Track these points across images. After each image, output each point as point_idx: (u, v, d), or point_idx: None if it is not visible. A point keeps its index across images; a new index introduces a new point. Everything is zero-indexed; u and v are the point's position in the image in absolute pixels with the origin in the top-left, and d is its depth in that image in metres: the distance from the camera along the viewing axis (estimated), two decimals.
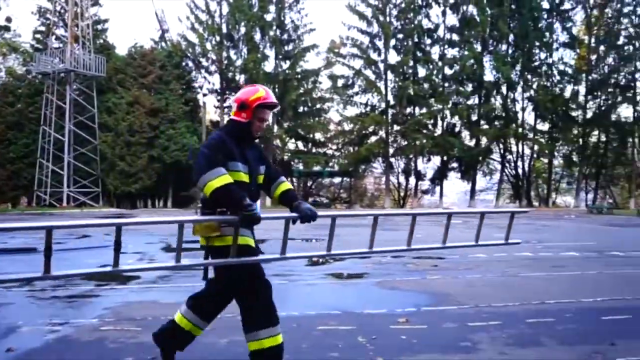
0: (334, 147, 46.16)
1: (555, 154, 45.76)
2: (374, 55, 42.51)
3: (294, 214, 3.56)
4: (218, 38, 40.85)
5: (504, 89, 42.93)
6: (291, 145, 45.23)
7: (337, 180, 48.82)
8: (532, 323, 5.22)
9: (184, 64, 41.73)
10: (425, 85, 42.21)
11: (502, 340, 4.64)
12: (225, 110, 43.65)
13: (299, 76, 41.92)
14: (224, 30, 40.93)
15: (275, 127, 41.36)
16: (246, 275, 3.48)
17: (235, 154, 3.50)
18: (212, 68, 42.09)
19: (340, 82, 43.12)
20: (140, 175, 37.33)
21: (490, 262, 9.93)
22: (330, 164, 44.51)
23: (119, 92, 38.27)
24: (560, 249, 12.11)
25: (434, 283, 7.60)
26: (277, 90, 40.09)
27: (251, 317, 3.47)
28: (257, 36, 40.88)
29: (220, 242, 3.43)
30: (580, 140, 44.38)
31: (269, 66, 41.30)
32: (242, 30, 40.58)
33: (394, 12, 42.26)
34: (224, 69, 41.00)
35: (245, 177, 3.53)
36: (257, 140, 3.83)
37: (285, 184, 3.79)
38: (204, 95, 43.37)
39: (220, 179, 3.31)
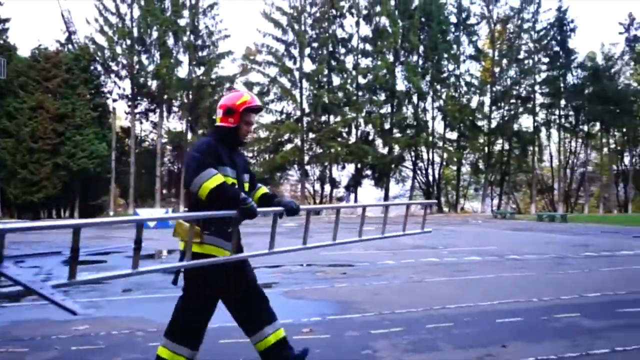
0: (250, 154, 45.91)
1: (463, 161, 47.85)
2: (289, 63, 42.82)
3: (280, 208, 3.69)
4: (129, 42, 39.62)
5: (415, 98, 44.41)
6: None
7: None
8: (431, 328, 5.35)
9: (92, 67, 40.16)
10: (340, 94, 42.93)
11: (401, 347, 4.72)
12: (137, 116, 42.47)
13: (214, 82, 41.42)
14: (135, 34, 39.76)
15: (189, 134, 40.63)
16: (211, 284, 3.49)
17: (224, 159, 3.54)
18: (123, 73, 40.83)
19: (255, 90, 42.99)
20: (44, 184, 35.49)
21: (398, 268, 10.15)
22: None
23: (20, 96, 36.21)
24: (464, 253, 12.59)
25: (341, 291, 7.66)
26: (190, 96, 39.50)
27: (183, 328, 3.47)
28: (170, 41, 40.07)
29: (199, 249, 3.42)
30: (486, 148, 46.61)
31: (182, 72, 40.64)
32: (154, 34, 39.62)
33: (309, 21, 42.78)
34: (135, 74, 39.81)
35: (234, 182, 3.57)
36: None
37: (264, 188, 3.92)
38: (114, 100, 41.99)
39: (213, 179, 3.35)
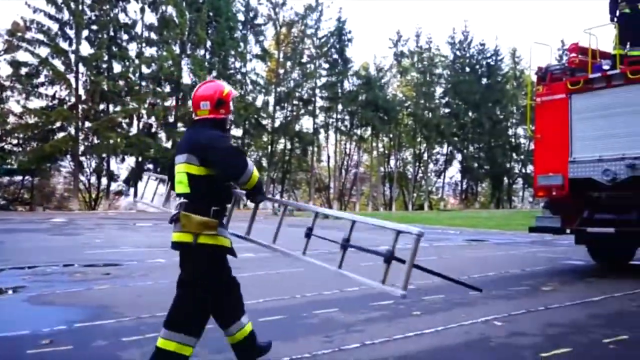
0: (14, 141, 41.04)
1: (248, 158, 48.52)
2: (63, 45, 39.01)
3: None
4: None
5: None
6: None
7: (18, 178, 43.46)
8: None
9: None
10: (121, 82, 40.46)
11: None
12: None
13: None
14: None
15: None
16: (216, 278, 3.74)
17: None
18: None
19: (23, 70, 38.54)
20: None
21: (169, 266, 9.65)
22: (9, 160, 39.36)
23: None
24: (240, 250, 12.53)
25: (99, 294, 7.02)
26: None
27: (192, 318, 3.62)
28: None
29: (213, 240, 3.58)
30: (269, 147, 47.89)
31: None
32: None
33: (88, 1, 39.52)
34: None
35: None
36: None
37: None
38: None
39: (255, 168, 3.65)
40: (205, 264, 3.64)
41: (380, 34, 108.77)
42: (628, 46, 9.01)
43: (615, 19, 9.22)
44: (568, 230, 9.32)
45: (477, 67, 57.22)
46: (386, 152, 57.53)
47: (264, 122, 47.85)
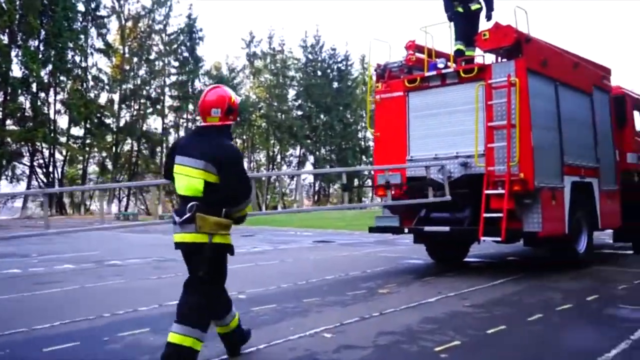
0: None
1: (90, 160, 45.26)
2: None
3: None
4: None
5: (34, 87, 39.90)
6: None
7: None
8: None
9: None
10: None
11: None
12: None
13: None
14: None
15: None
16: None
17: None
18: None
19: None
20: None
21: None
22: None
23: None
24: (59, 261, 11.11)
25: None
26: None
27: (206, 311, 3.80)
28: None
29: (224, 239, 3.73)
30: (114, 148, 44.98)
31: None
32: None
33: None
34: None
35: None
36: None
37: None
38: None
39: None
40: (220, 263, 3.80)
41: (233, 33, 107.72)
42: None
43: (451, 18, 9.26)
44: (406, 230, 9.21)
45: (329, 71, 58.36)
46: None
47: (108, 121, 44.85)
